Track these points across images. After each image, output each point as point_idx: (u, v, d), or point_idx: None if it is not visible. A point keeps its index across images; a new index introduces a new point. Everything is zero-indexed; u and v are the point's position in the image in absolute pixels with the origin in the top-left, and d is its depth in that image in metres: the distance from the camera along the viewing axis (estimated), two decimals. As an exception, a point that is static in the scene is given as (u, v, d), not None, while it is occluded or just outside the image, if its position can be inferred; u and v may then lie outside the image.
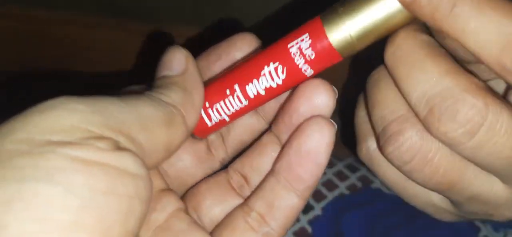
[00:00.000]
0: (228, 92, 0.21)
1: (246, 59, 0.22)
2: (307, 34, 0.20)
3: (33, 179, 0.15)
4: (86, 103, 0.17)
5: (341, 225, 0.42)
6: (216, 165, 0.25)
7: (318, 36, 0.20)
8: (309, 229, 0.42)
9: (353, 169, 0.49)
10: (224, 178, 0.25)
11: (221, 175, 0.25)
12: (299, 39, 0.20)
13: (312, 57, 0.20)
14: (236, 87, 0.21)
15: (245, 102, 0.21)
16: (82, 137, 0.16)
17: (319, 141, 0.20)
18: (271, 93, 0.21)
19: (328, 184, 0.47)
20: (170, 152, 0.20)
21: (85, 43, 0.52)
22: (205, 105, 0.22)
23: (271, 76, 0.20)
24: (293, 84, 0.21)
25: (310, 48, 0.20)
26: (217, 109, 0.22)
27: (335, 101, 0.21)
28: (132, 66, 0.53)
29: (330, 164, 0.49)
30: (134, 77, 0.54)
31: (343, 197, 0.45)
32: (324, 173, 0.48)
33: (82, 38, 0.52)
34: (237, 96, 0.21)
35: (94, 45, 0.52)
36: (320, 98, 0.21)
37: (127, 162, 0.17)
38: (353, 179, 0.47)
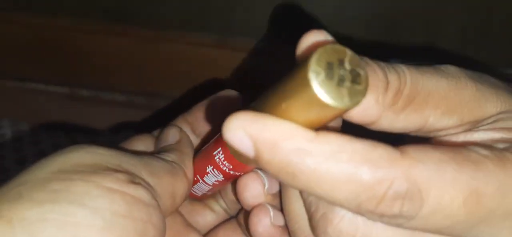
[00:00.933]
0: (196, 178, 0.24)
1: (201, 152, 0.25)
2: (219, 149, 0.21)
3: (65, 201, 0.18)
4: (104, 149, 0.21)
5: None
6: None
7: (227, 152, 0.21)
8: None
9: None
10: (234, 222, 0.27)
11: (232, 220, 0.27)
12: (217, 151, 0.22)
13: (230, 167, 0.21)
14: (198, 177, 0.24)
15: (209, 186, 0.24)
16: (104, 171, 0.19)
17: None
18: (221, 183, 0.23)
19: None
20: (175, 201, 0.22)
21: (90, 49, 0.53)
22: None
23: (213, 173, 0.23)
24: (234, 177, 0.23)
25: (226, 161, 0.21)
26: (196, 188, 0.25)
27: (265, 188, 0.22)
28: (137, 71, 0.54)
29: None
30: (139, 82, 0.55)
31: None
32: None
33: (87, 45, 0.53)
34: (203, 181, 0.24)
35: (99, 51, 0.53)
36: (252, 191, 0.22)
37: (141, 192, 0.19)
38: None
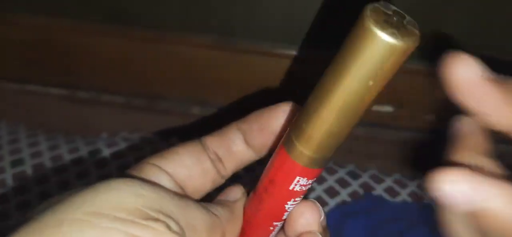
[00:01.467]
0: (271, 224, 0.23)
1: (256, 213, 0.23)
2: (298, 178, 0.20)
3: None
4: (148, 188, 0.19)
5: (343, 232, 0.43)
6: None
7: (308, 173, 0.20)
8: (311, 236, 0.42)
9: (354, 176, 0.49)
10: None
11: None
12: (295, 181, 0.20)
13: (309, 182, 0.21)
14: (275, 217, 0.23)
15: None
16: (143, 220, 0.18)
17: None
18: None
19: (330, 191, 0.47)
20: None
21: (89, 51, 0.53)
22: None
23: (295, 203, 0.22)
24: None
25: (306, 179, 0.20)
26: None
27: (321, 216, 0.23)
28: (137, 73, 0.54)
29: (332, 171, 0.49)
30: (139, 84, 0.55)
31: (345, 204, 0.46)
32: (326, 180, 0.48)
33: (86, 46, 0.53)
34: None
35: (99, 52, 0.53)
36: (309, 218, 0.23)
37: None
38: (355, 186, 0.48)
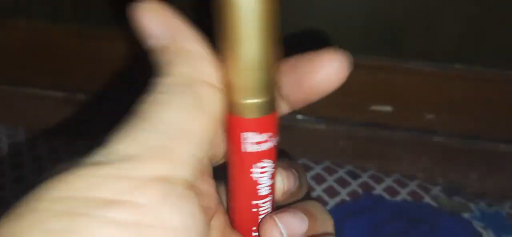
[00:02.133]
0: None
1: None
2: (243, 134, 0.18)
3: None
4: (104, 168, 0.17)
5: (343, 232, 0.42)
6: None
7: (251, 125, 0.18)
8: (311, 236, 0.42)
9: (354, 176, 0.49)
10: None
11: None
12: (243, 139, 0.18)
13: (263, 138, 0.18)
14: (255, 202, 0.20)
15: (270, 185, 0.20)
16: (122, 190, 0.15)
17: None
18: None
19: (330, 191, 0.47)
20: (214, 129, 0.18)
21: (86, 54, 0.53)
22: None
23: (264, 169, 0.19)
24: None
25: (255, 133, 0.18)
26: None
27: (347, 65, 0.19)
28: (133, 75, 0.54)
29: (331, 172, 0.49)
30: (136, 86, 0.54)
31: (344, 203, 0.45)
32: (325, 180, 0.48)
33: (83, 49, 0.53)
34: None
35: (96, 55, 0.53)
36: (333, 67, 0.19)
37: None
38: (354, 185, 0.47)
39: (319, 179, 0.48)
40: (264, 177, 0.19)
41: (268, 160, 0.19)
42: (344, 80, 0.19)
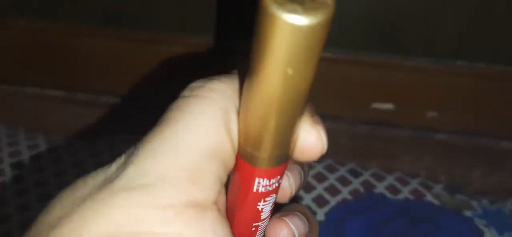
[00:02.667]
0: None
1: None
2: (257, 179, 0.18)
3: None
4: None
5: (344, 231, 0.42)
6: None
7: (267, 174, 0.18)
8: (312, 235, 0.42)
9: (355, 174, 0.48)
10: None
11: None
12: (256, 183, 0.19)
13: (273, 181, 0.19)
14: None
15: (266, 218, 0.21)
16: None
17: None
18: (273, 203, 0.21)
19: (331, 190, 0.47)
20: None
21: (86, 53, 0.53)
22: None
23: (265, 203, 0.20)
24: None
25: (267, 179, 0.18)
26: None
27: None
28: (135, 74, 0.54)
29: (333, 170, 0.49)
30: (137, 85, 0.54)
31: (346, 202, 0.45)
32: (327, 178, 0.48)
33: (83, 48, 0.52)
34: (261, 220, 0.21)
35: (96, 54, 0.53)
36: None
37: None
38: (355, 184, 0.47)
39: (320, 178, 0.48)
40: (268, 205, 0.20)
41: (273, 194, 0.19)
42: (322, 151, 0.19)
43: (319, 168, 0.49)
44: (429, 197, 0.46)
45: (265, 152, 0.17)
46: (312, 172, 0.49)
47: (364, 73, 0.48)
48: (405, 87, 0.49)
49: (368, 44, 0.48)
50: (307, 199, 0.46)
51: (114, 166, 0.17)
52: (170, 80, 0.54)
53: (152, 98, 0.55)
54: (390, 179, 0.48)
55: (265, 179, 0.18)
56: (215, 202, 0.17)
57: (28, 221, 0.42)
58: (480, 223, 0.44)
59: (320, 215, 0.44)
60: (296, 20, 0.12)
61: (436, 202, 0.46)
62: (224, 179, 0.17)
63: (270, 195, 0.19)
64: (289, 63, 0.13)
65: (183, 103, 0.17)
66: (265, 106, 0.15)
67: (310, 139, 0.18)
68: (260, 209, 0.20)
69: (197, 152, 0.16)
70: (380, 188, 0.47)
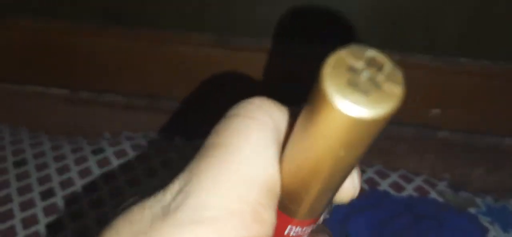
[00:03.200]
0: None
1: None
2: (289, 226, 0.18)
3: None
4: None
5: (348, 228, 0.42)
6: None
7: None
8: (317, 232, 0.42)
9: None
10: None
11: None
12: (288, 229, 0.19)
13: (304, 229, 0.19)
14: None
15: None
16: None
17: None
18: None
19: (335, 187, 0.47)
20: None
21: (89, 52, 0.53)
22: None
23: None
24: None
25: (299, 228, 0.18)
26: None
27: None
28: (137, 73, 0.53)
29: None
30: (140, 84, 0.54)
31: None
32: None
33: (86, 47, 0.52)
34: None
35: (99, 53, 0.52)
36: None
37: None
38: (359, 181, 0.47)
39: (324, 175, 0.48)
40: None
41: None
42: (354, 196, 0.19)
43: (323, 166, 0.49)
44: (433, 194, 0.46)
45: (303, 210, 0.16)
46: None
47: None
48: (409, 85, 0.49)
49: (371, 41, 0.48)
50: (311, 196, 0.46)
51: (169, 195, 0.15)
52: (172, 78, 0.54)
53: (153, 96, 0.55)
54: (394, 177, 0.48)
55: (298, 227, 0.18)
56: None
57: (32, 218, 0.42)
58: (484, 220, 0.44)
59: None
60: (356, 112, 0.11)
61: (440, 199, 0.46)
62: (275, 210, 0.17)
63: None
64: (343, 147, 0.12)
65: (238, 124, 0.16)
66: (311, 174, 0.14)
67: (345, 185, 0.17)
68: None
69: (259, 186, 0.15)
70: (384, 185, 0.47)
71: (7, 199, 0.44)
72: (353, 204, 0.45)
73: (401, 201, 0.45)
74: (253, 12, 0.49)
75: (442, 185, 0.47)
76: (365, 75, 0.11)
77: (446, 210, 0.45)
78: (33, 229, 0.41)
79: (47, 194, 0.45)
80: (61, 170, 0.48)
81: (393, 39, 0.48)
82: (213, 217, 0.14)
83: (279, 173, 0.16)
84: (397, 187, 0.47)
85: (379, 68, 0.12)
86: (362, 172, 0.48)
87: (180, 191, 0.15)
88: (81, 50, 0.53)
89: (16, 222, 0.42)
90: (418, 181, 0.48)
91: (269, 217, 0.15)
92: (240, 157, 0.15)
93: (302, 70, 0.50)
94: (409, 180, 0.48)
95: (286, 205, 0.17)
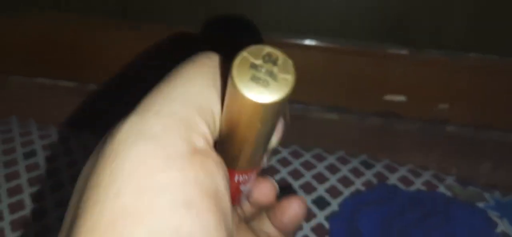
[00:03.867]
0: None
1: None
2: (236, 175, 0.21)
3: None
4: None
5: (357, 221, 0.42)
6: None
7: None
8: (326, 225, 0.42)
9: (368, 166, 0.48)
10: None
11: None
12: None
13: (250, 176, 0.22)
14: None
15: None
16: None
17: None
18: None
19: (344, 181, 0.47)
20: None
21: (98, 45, 0.53)
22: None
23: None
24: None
25: (245, 175, 0.22)
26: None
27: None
28: (143, 65, 0.53)
29: (345, 162, 0.49)
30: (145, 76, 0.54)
31: (359, 193, 0.45)
32: (339, 170, 0.48)
33: (95, 40, 0.52)
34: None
35: (108, 46, 0.52)
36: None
37: None
38: (368, 175, 0.47)
39: (333, 169, 0.48)
40: (247, 186, 0.23)
41: (253, 180, 0.23)
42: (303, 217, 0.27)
43: (331, 160, 0.49)
44: (441, 189, 0.46)
45: (242, 163, 0.20)
46: (324, 164, 0.49)
47: (377, 65, 0.48)
48: (417, 79, 0.49)
49: (380, 36, 0.48)
50: (321, 189, 0.46)
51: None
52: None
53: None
54: (402, 171, 0.48)
55: (244, 175, 0.21)
56: (213, 151, 0.18)
57: (42, 209, 0.42)
58: (493, 215, 0.44)
59: (334, 205, 0.44)
60: (262, 100, 0.15)
61: (448, 193, 0.46)
62: (212, 140, 0.18)
63: (247, 182, 0.23)
64: (259, 122, 0.16)
65: (181, 66, 0.19)
66: (241, 139, 0.18)
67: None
68: (240, 190, 0.23)
69: (192, 105, 0.17)
70: (393, 179, 0.47)
71: (18, 190, 0.45)
72: (362, 198, 0.45)
73: (410, 195, 0.46)
74: (261, 10, 0.49)
75: (450, 180, 0.48)
76: (264, 70, 0.15)
77: (455, 205, 0.45)
78: (42, 222, 0.42)
79: (57, 186, 0.45)
80: (70, 164, 0.48)
81: (400, 35, 0.48)
82: (152, 133, 0.16)
83: (217, 101, 0.18)
84: (406, 181, 0.47)
85: (274, 62, 0.15)
86: (371, 166, 0.49)
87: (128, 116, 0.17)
88: (91, 43, 0.53)
89: (28, 212, 0.42)
90: (427, 175, 0.48)
91: (206, 131, 0.17)
92: (176, 84, 0.18)
93: (312, 63, 0.50)
94: (417, 175, 0.48)
95: (230, 161, 0.19)
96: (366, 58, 0.49)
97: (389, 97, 0.51)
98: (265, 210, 0.28)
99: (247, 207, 0.28)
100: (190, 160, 0.16)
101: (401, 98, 0.50)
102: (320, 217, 0.43)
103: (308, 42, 0.50)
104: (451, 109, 0.51)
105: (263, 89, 0.15)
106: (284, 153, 0.50)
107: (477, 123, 0.51)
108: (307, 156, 0.50)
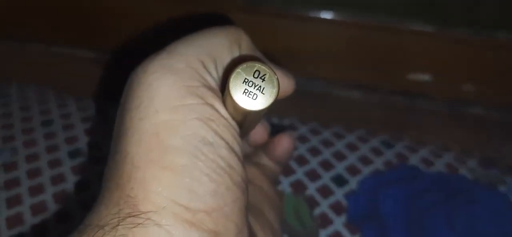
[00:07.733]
0: None
1: None
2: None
3: None
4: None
5: (377, 201, 0.42)
6: None
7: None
8: (344, 203, 0.41)
9: (388, 146, 0.48)
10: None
11: None
12: None
13: None
14: None
15: None
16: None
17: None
18: None
19: (364, 159, 0.46)
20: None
21: (116, 13, 0.52)
22: None
23: None
24: None
25: None
26: None
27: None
28: (166, 34, 0.53)
29: (365, 140, 0.48)
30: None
31: (379, 173, 0.44)
32: (358, 149, 0.47)
33: (113, 7, 0.52)
34: None
35: (126, 14, 0.52)
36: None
37: None
38: (388, 155, 0.46)
39: (352, 147, 0.47)
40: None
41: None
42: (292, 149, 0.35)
43: (351, 138, 0.48)
44: (463, 171, 0.45)
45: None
46: (344, 142, 0.48)
47: (402, 42, 0.47)
48: (443, 58, 0.48)
49: (407, 12, 0.46)
50: (340, 167, 0.45)
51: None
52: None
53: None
54: (423, 152, 0.47)
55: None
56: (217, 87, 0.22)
57: (59, 176, 0.42)
58: (516, 199, 0.43)
59: (353, 183, 0.43)
60: (253, 108, 0.19)
61: (470, 176, 0.45)
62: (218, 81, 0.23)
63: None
64: (251, 118, 0.21)
65: (214, 27, 0.23)
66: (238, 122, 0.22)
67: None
68: None
69: (208, 54, 0.21)
70: (414, 160, 0.46)
71: (35, 157, 0.45)
72: (383, 178, 0.44)
73: (431, 176, 0.45)
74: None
75: (472, 162, 0.46)
76: (254, 86, 0.19)
77: (477, 187, 0.44)
78: (61, 186, 0.42)
79: (74, 153, 0.45)
80: (88, 132, 0.48)
81: (430, 13, 0.47)
82: (177, 68, 0.20)
83: (225, 64, 0.23)
84: (427, 162, 0.46)
85: (262, 78, 0.19)
86: (392, 146, 0.48)
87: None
88: (111, 12, 0.52)
89: (44, 178, 0.42)
90: (448, 157, 0.47)
91: (214, 74, 0.21)
92: (201, 36, 0.22)
93: (329, 37, 0.49)
94: (439, 156, 0.47)
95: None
96: (391, 34, 0.47)
97: (413, 76, 0.49)
98: (261, 147, 0.34)
99: (246, 148, 0.35)
100: (206, 91, 0.20)
101: (425, 77, 0.49)
102: (338, 194, 0.42)
103: (331, 16, 0.48)
104: (478, 90, 0.49)
105: (252, 101, 0.19)
106: (303, 130, 0.49)
107: (503, 105, 0.50)
108: (327, 134, 0.49)
